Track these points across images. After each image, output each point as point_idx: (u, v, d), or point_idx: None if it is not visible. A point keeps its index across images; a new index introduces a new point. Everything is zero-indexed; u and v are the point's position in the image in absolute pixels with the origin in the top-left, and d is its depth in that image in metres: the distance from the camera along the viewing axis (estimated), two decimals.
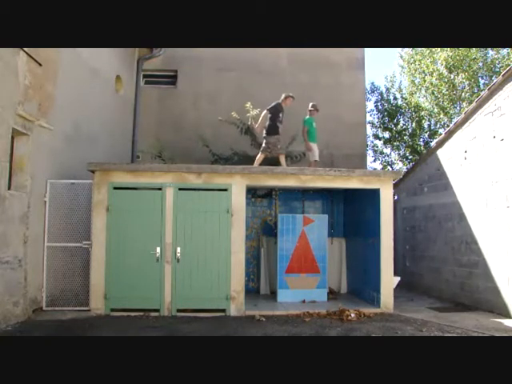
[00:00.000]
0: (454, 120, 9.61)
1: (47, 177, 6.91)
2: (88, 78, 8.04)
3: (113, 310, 6.84)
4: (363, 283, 7.75)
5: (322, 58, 10.32)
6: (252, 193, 8.30)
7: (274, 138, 7.86)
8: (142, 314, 6.77)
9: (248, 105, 8.00)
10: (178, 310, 6.87)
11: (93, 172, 6.97)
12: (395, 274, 7.14)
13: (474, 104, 7.70)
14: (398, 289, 7.64)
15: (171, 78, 9.99)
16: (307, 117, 8.55)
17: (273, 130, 7.84)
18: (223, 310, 6.94)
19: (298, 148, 8.99)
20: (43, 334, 5.58)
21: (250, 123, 8.00)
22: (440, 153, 8.75)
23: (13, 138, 6.14)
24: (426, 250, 8.98)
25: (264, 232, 8.76)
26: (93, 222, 6.93)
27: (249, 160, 8.36)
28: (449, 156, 8.46)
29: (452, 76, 16.22)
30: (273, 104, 8.00)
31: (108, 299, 6.83)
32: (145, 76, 9.60)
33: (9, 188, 6.02)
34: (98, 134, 8.21)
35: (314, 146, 8.42)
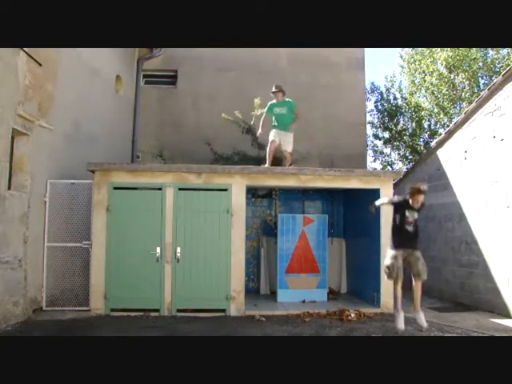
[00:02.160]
0: (454, 120, 9.59)
1: (47, 177, 6.88)
2: (88, 78, 8.01)
3: (113, 310, 6.82)
4: (363, 283, 7.71)
5: (322, 58, 10.24)
6: (252, 193, 8.26)
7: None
8: (141, 314, 6.74)
9: (257, 100, 7.83)
10: (178, 310, 6.85)
11: (93, 172, 6.94)
12: None
13: (473, 104, 7.68)
14: None
15: (171, 78, 9.87)
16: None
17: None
18: (223, 310, 6.93)
19: (297, 148, 8.94)
20: (43, 334, 5.56)
21: (252, 123, 7.93)
22: (440, 153, 8.72)
23: (13, 137, 6.11)
24: (426, 250, 8.72)
25: (264, 232, 8.73)
26: (93, 222, 6.90)
27: (249, 160, 8.32)
28: (449, 156, 8.43)
29: (452, 76, 16.11)
30: (396, 199, 6.02)
31: (108, 299, 6.81)
32: (145, 76, 9.49)
33: (9, 188, 5.99)
34: (97, 134, 8.18)
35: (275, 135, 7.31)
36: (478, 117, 7.55)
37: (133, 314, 6.74)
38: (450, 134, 8.39)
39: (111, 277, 6.83)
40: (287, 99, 7.44)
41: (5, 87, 5.76)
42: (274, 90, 7.41)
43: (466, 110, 8.17)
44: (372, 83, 19.71)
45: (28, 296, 6.50)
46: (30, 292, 6.57)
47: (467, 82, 15.94)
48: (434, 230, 8.74)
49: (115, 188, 6.97)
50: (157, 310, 6.85)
